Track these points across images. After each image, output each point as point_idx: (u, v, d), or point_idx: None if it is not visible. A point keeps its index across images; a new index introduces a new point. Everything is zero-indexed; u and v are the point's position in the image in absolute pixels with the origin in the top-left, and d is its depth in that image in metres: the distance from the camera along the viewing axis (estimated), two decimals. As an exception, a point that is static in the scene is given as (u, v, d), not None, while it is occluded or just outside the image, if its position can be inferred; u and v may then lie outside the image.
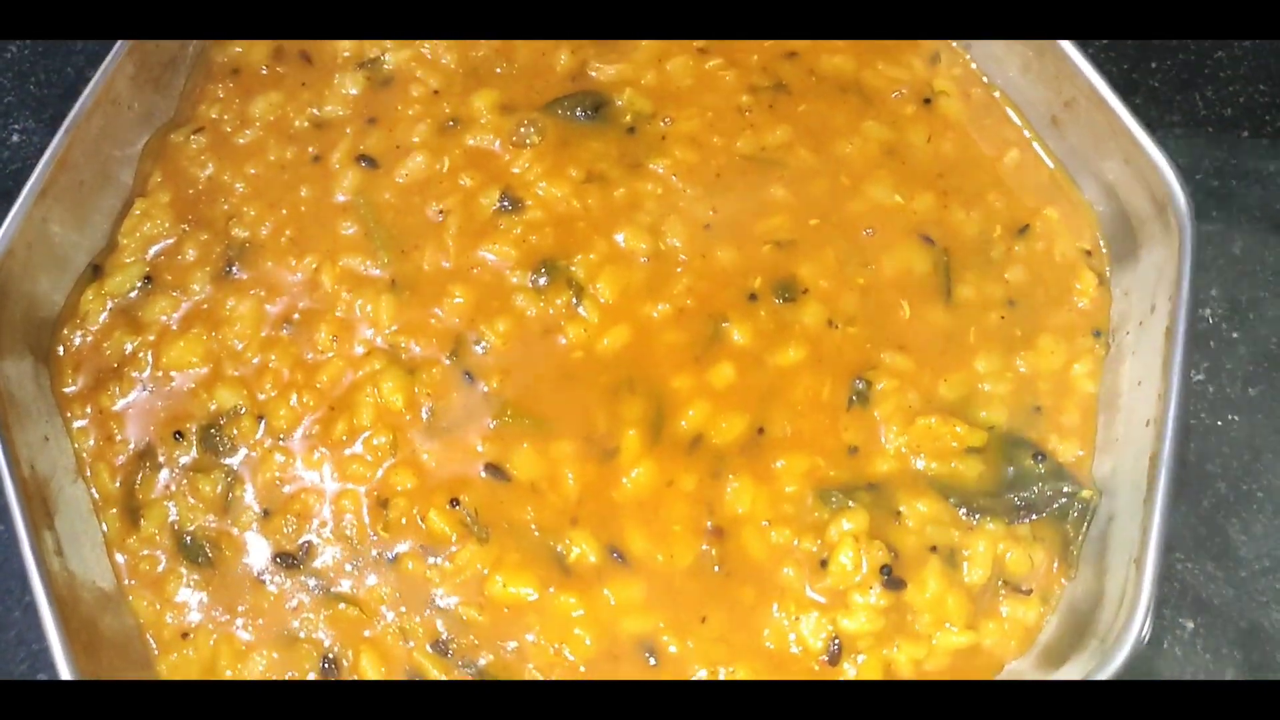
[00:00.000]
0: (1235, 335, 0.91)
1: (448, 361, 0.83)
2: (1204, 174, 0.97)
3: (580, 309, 0.84)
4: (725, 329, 0.83)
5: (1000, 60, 0.92)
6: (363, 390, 0.82)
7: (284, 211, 0.88)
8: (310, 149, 0.91)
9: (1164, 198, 0.80)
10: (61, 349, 0.84)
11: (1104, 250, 0.87)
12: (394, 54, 0.94)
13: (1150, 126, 0.96)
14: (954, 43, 0.95)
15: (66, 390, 0.83)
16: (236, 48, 0.95)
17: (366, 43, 0.95)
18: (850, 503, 0.78)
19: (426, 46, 0.95)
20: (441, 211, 0.88)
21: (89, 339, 0.84)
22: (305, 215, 0.88)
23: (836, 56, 0.95)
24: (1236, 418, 0.88)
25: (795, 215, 0.88)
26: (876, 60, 0.95)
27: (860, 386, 0.82)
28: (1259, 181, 0.96)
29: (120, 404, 0.82)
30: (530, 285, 0.84)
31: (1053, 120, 0.89)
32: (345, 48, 0.95)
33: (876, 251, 0.87)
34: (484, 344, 0.83)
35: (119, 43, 0.87)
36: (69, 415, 0.82)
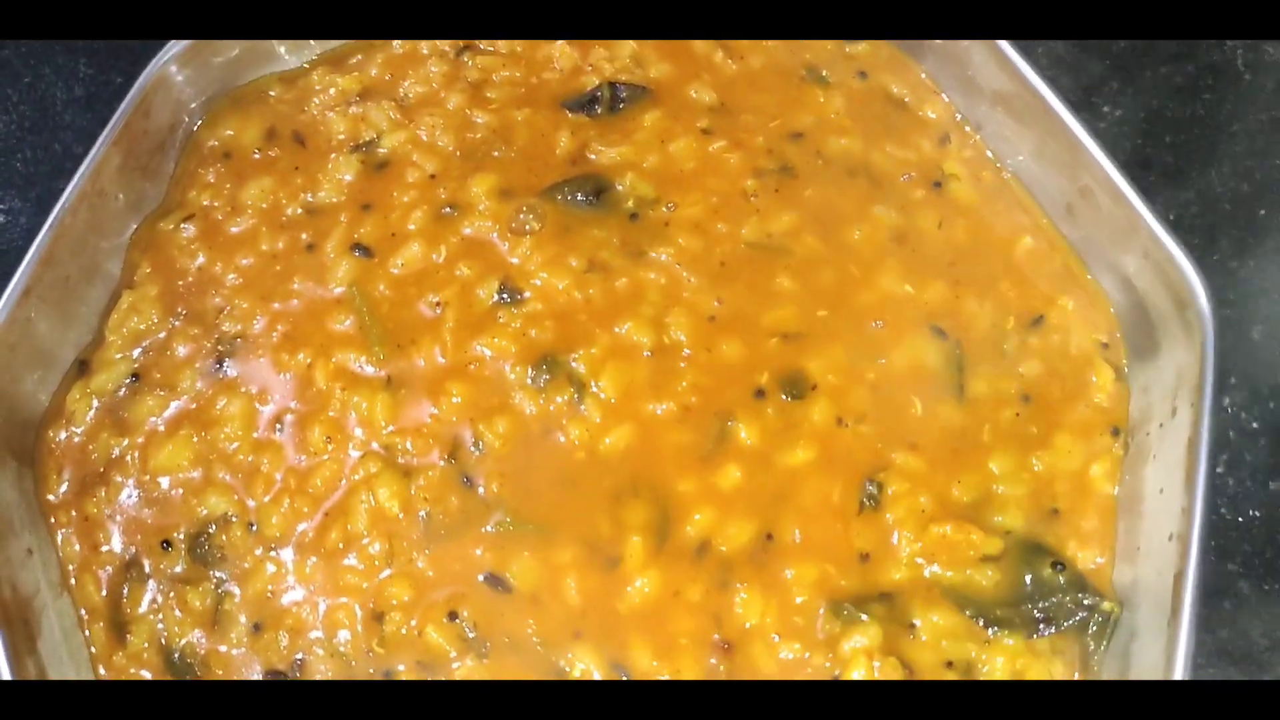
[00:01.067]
0: (1255, 426, 0.88)
1: (445, 464, 0.80)
2: (1221, 254, 0.94)
3: (582, 407, 0.81)
4: (732, 428, 0.81)
5: (1011, 143, 0.90)
6: (358, 495, 0.79)
7: (276, 305, 0.85)
8: (304, 237, 0.88)
9: (1185, 297, 0.77)
10: (46, 452, 0.82)
11: (1121, 343, 0.85)
12: (389, 136, 0.92)
13: (1165, 205, 0.96)
14: (966, 125, 0.92)
15: (51, 497, 0.80)
16: (228, 130, 0.93)
17: (361, 124, 0.92)
18: (862, 615, 0.75)
19: (423, 128, 0.92)
20: (438, 304, 0.85)
21: (75, 440, 0.82)
22: (298, 308, 0.85)
23: (844, 138, 0.92)
24: (1258, 513, 0.86)
25: (803, 306, 0.85)
26: (885, 141, 0.92)
27: (871, 489, 0.79)
28: (1277, 262, 0.94)
29: (107, 511, 0.80)
30: (530, 382, 0.82)
31: (1067, 208, 0.87)
32: (340, 129, 0.93)
33: (886, 344, 0.84)
34: (483, 445, 0.80)
35: (105, 130, 0.84)
36: (54, 523, 0.80)
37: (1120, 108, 1.01)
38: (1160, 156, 0.99)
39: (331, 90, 0.94)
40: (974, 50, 0.89)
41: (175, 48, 0.88)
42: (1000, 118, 0.90)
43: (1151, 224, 0.79)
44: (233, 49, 0.92)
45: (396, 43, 0.97)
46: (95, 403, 0.83)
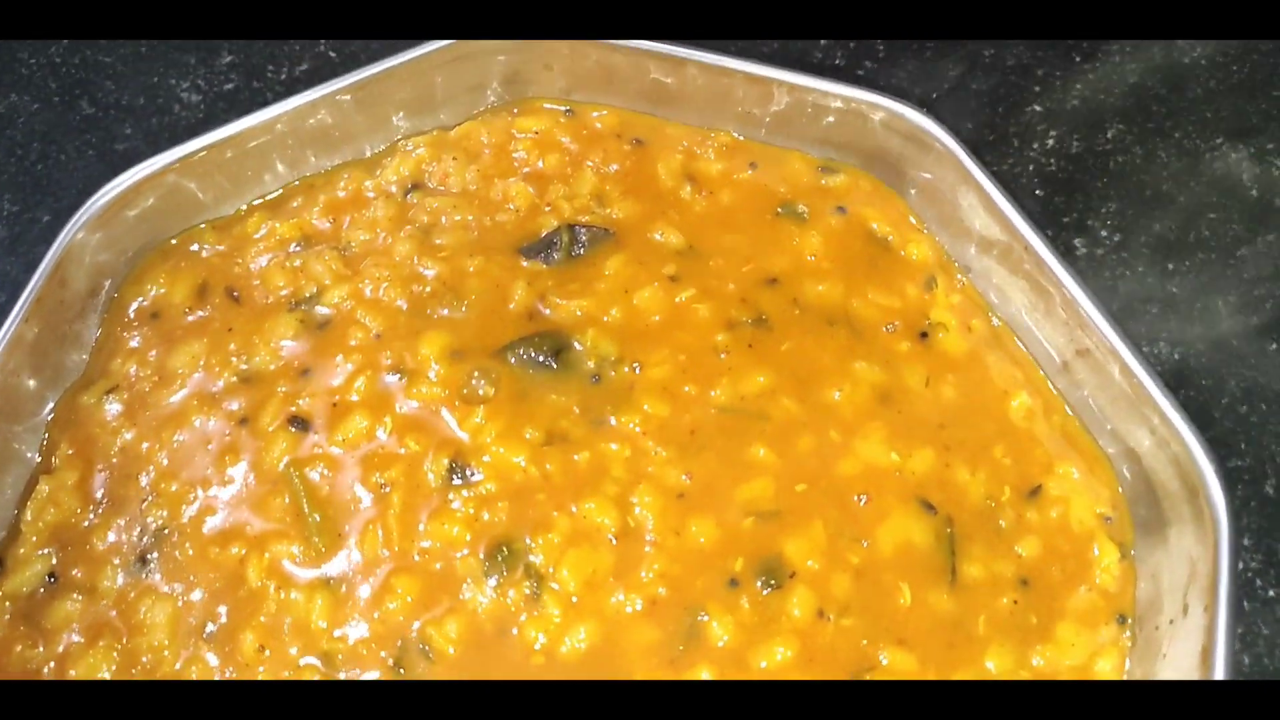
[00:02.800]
0: (1272, 593, 0.82)
1: (391, 672, 0.73)
2: (1230, 398, 0.87)
3: (541, 603, 0.74)
4: (703, 623, 0.74)
5: (1003, 290, 0.83)
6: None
7: (206, 491, 0.78)
8: (238, 408, 0.81)
9: (1196, 483, 0.71)
10: (-46, 666, 0.75)
11: (1127, 517, 0.78)
12: (332, 291, 0.85)
13: (1170, 343, 0.89)
14: (953, 266, 0.86)
15: (-41, 720, 0.73)
16: (155, 287, 0.86)
17: (301, 277, 0.86)
18: (849, 846, 0.69)
19: (368, 281, 0.85)
20: (384, 485, 0.78)
21: (-14, 650, 0.75)
22: (231, 494, 0.78)
23: (822, 283, 0.85)
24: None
25: (779, 479, 0.79)
26: (866, 287, 0.85)
27: (857, 692, 0.73)
28: (1292, 405, 0.88)
29: (20, 733, 0.73)
30: (484, 574, 0.75)
31: (1064, 365, 0.80)
32: (279, 282, 0.86)
33: (871, 522, 0.77)
34: (432, 651, 0.73)
35: (15, 310, 0.78)
36: (-37, 747, 0.73)
37: (1120, 231, 0.94)
38: (1164, 286, 0.92)
39: (268, 238, 0.88)
40: (959, 189, 0.83)
41: (88, 211, 0.81)
42: (989, 263, 0.83)
43: (1160, 400, 0.72)
44: (151, 199, 0.85)
45: (340, 184, 0.90)
46: (8, 606, 0.76)
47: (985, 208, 0.80)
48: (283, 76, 1.03)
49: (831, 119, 0.87)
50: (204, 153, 0.84)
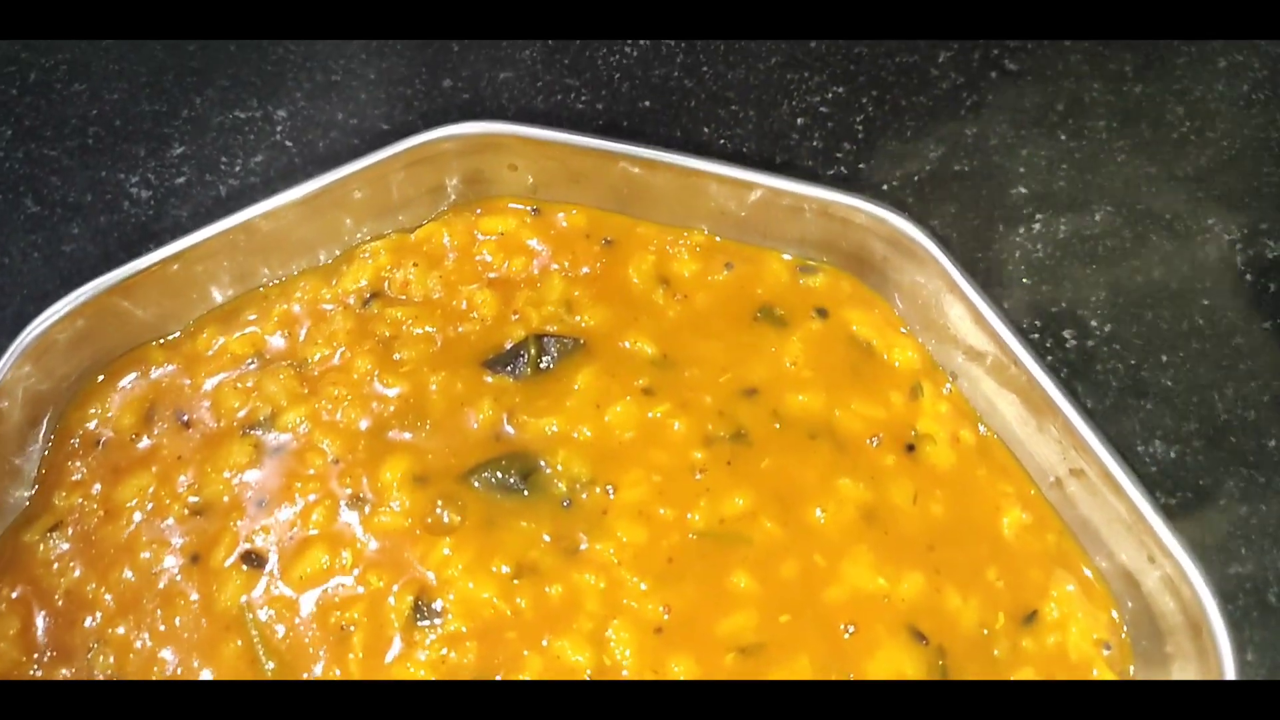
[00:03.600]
0: None
1: (355, 834, 0.69)
2: (1228, 498, 0.84)
3: (512, 752, 0.70)
4: (685, 771, 0.70)
5: (992, 399, 0.80)
6: None
7: (157, 633, 0.74)
8: (188, 543, 0.77)
9: (1198, 619, 0.67)
10: (-112, 839, 0.70)
11: (1127, 645, 0.74)
12: (288, 413, 0.81)
13: (1165, 439, 0.86)
14: (939, 372, 0.82)
15: None
16: (100, 413, 0.81)
17: (257, 399, 0.81)
18: None
19: (326, 401, 0.81)
20: (344, 625, 0.74)
21: (-77, 819, 0.71)
22: (182, 636, 0.74)
23: (803, 393, 0.82)
24: (1287, 819, 0.76)
25: (763, 609, 0.75)
26: (849, 396, 0.82)
27: (848, 844, 0.69)
28: (1292, 503, 0.84)
29: None
30: (451, 723, 0.71)
31: (1058, 482, 0.76)
32: (233, 404, 0.81)
33: (860, 655, 0.74)
34: (398, 807, 0.69)
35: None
36: None
37: (1111, 320, 0.91)
38: (1157, 379, 0.88)
39: (220, 356, 0.83)
40: (944, 297, 0.79)
41: (23, 342, 0.76)
42: (978, 372, 0.80)
43: (1162, 532, 0.68)
44: (89, 322, 0.80)
45: (295, 296, 0.86)
46: (-53, 770, 0.71)
47: (974, 319, 0.77)
48: (236, 169, 0.99)
49: (808, 220, 0.83)
50: (147, 271, 0.80)
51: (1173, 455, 0.86)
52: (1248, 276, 0.93)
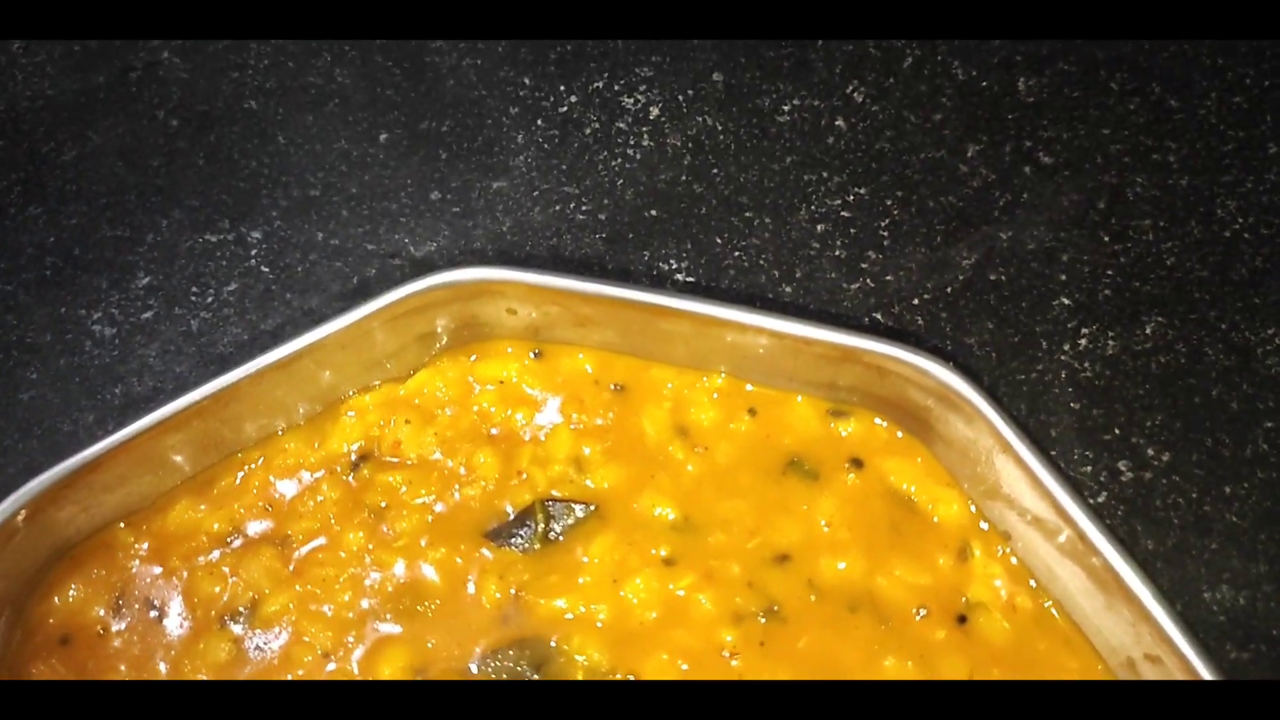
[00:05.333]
0: None
1: None
2: (1309, 650, 0.77)
3: None
4: None
5: (1051, 564, 0.72)
6: None
7: None
8: (165, 758, 0.69)
9: (1303, 843, 0.60)
10: None
11: None
12: (272, 600, 0.73)
13: (1233, 583, 0.78)
14: (991, 532, 0.74)
15: None
16: (65, 602, 0.74)
17: (239, 586, 0.74)
18: None
19: (313, 584, 0.73)
20: None
21: None
22: None
23: (841, 559, 0.74)
24: None
25: (807, 815, 0.67)
26: (891, 560, 0.74)
27: None
28: (1377, 653, 0.77)
29: None
30: None
31: (1129, 663, 0.69)
32: (211, 590, 0.74)
33: None
34: None
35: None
36: None
37: (1169, 449, 0.83)
38: (1222, 514, 0.81)
39: (195, 535, 0.75)
40: (996, 457, 0.71)
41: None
42: (1034, 536, 0.72)
43: (1252, 740, 0.61)
44: (44, 511, 0.72)
45: (277, 460, 0.78)
46: None
47: (1030, 484, 0.69)
48: (209, 299, 0.91)
49: (843, 363, 0.76)
50: (112, 451, 0.72)
51: (1241, 602, 0.78)
52: (1312, 353, 0.86)
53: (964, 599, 0.73)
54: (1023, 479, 0.70)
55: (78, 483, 0.72)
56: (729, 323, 0.74)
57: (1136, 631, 0.67)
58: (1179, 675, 0.65)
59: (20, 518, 0.70)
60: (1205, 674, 0.63)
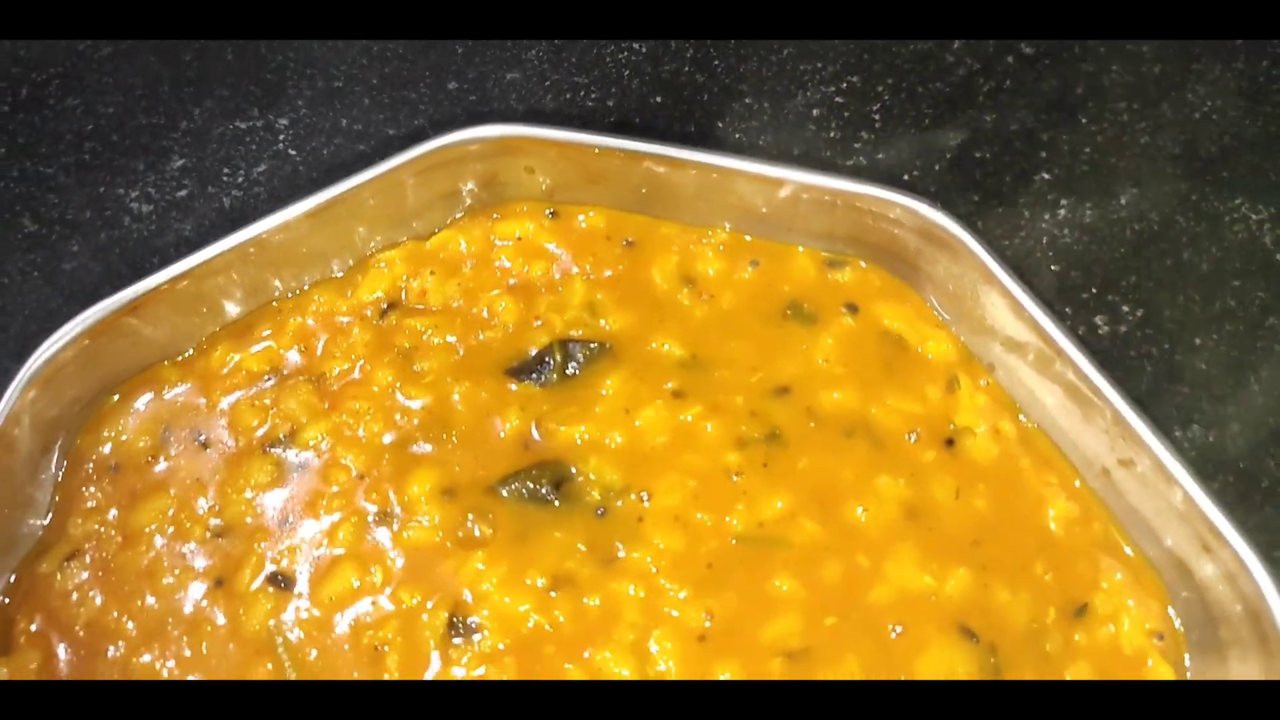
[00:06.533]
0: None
1: None
2: (1270, 479, 0.82)
3: (558, 771, 0.68)
4: (738, 783, 0.68)
5: (1032, 388, 0.78)
6: None
7: (184, 656, 0.71)
8: (211, 567, 0.74)
9: (1259, 609, 0.65)
10: None
11: (1180, 635, 0.73)
12: (309, 429, 0.78)
13: (1203, 423, 0.84)
14: (976, 364, 0.80)
15: None
16: (114, 437, 0.79)
17: (276, 416, 0.79)
18: None
19: (347, 415, 0.79)
20: (377, 645, 0.72)
21: None
22: (210, 663, 0.72)
23: (837, 390, 0.80)
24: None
25: (807, 613, 0.73)
26: (884, 392, 0.80)
27: None
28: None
29: None
30: (494, 742, 0.69)
31: (1105, 472, 0.75)
32: (251, 422, 0.79)
33: (909, 655, 0.72)
34: (442, 833, 0.67)
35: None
36: None
37: (1142, 305, 0.89)
38: (1192, 363, 0.87)
39: (236, 373, 0.81)
40: (980, 288, 0.77)
41: (31, 368, 0.74)
42: (1017, 362, 0.78)
43: (1217, 519, 0.67)
44: (98, 344, 0.78)
45: (310, 308, 0.83)
46: (-30, 813, 0.69)
47: (1012, 310, 0.75)
48: (240, 179, 0.96)
49: (836, 213, 0.81)
50: (157, 289, 0.77)
51: (1210, 439, 0.84)
52: (1277, 256, 0.92)
53: (951, 425, 0.79)
54: (1005, 306, 0.75)
55: (123, 320, 0.78)
56: (738, 172, 0.80)
57: (1110, 438, 0.73)
58: (1150, 475, 0.70)
59: (72, 349, 0.76)
60: (1174, 468, 0.69)
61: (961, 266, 0.78)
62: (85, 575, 0.74)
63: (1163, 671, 0.71)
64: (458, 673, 0.70)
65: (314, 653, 0.72)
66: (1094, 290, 0.90)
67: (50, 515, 0.77)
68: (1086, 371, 0.72)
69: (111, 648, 0.73)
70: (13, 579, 0.74)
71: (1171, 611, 0.73)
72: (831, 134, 0.98)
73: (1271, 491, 0.82)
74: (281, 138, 0.99)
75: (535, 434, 0.78)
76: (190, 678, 0.71)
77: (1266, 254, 0.91)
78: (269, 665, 0.71)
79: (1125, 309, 0.89)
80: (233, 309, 0.82)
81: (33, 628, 0.73)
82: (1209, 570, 0.69)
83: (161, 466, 0.78)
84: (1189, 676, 0.71)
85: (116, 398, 0.80)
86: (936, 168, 0.96)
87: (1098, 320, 0.89)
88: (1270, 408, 0.85)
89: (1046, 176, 0.95)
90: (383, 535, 0.75)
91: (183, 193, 0.97)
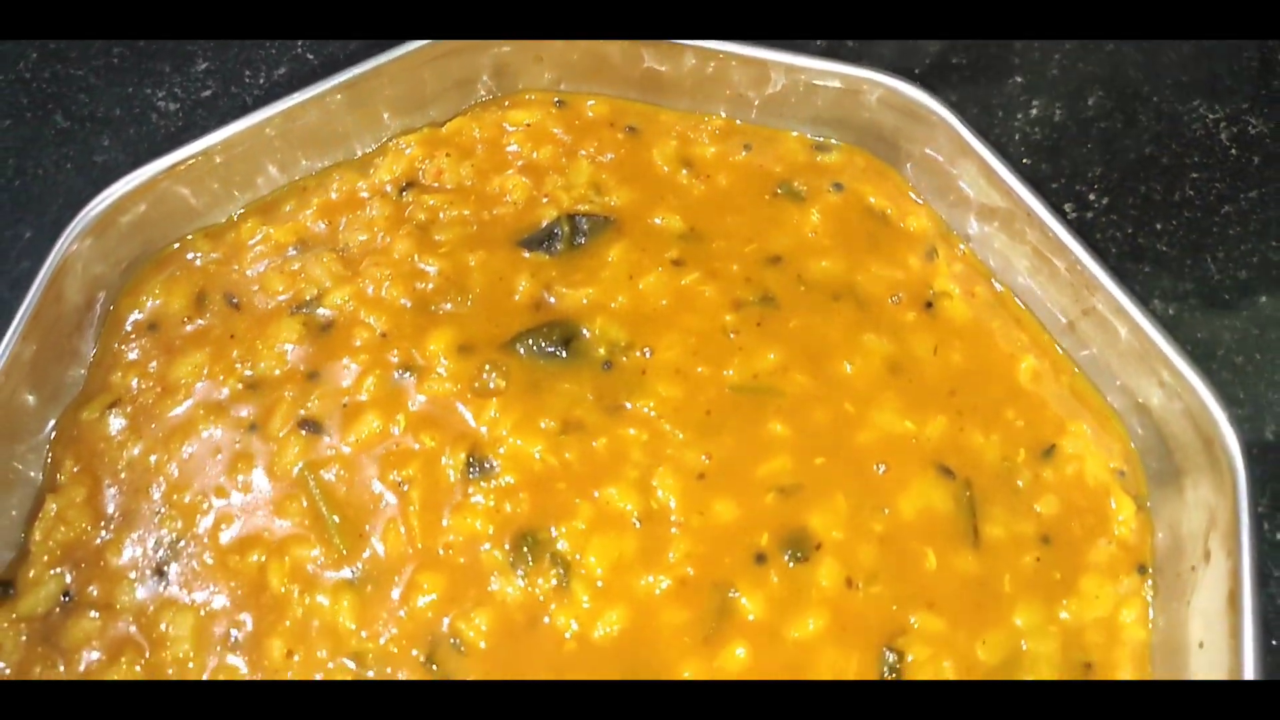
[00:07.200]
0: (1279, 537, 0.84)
1: (424, 669, 0.72)
2: (1226, 349, 0.89)
3: (570, 590, 0.74)
4: (733, 600, 0.74)
5: (1004, 256, 0.84)
6: (328, 716, 0.71)
7: (220, 500, 0.77)
8: (246, 415, 0.80)
9: (1210, 432, 0.72)
10: (-29, 694, 0.73)
11: (1140, 470, 0.79)
12: (333, 293, 0.84)
13: (1163, 298, 0.91)
14: (953, 236, 0.87)
15: (-20, 749, 0.71)
16: (151, 298, 0.85)
17: (301, 281, 0.85)
18: (896, 811, 0.69)
19: (369, 281, 0.84)
20: (401, 483, 0.77)
21: (4, 675, 0.73)
22: (246, 501, 0.77)
23: (825, 259, 0.86)
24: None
25: (798, 454, 0.79)
26: (868, 261, 0.86)
27: (891, 659, 0.73)
28: (1285, 352, 0.90)
29: (45, 758, 0.71)
30: (510, 565, 0.74)
31: (1070, 326, 0.81)
32: (278, 287, 0.85)
33: (892, 491, 0.78)
34: (463, 643, 0.73)
35: (13, 324, 0.76)
36: (-15, 776, 0.71)
37: (1107, 194, 0.96)
38: (1154, 245, 0.94)
39: (265, 244, 0.87)
40: (957, 159, 0.84)
41: (81, 221, 0.79)
42: (991, 228, 0.84)
43: (1170, 353, 0.73)
44: (145, 206, 0.84)
45: (333, 185, 0.89)
46: (24, 630, 0.74)
47: (985, 176, 0.81)
48: (260, 80, 1.02)
49: (823, 99, 0.88)
50: (197, 158, 0.83)
51: (1171, 312, 0.91)
52: (1233, 151, 0.99)
53: (930, 290, 0.85)
54: (979, 174, 0.82)
55: (170, 186, 0.83)
56: (733, 56, 0.86)
57: (1074, 289, 0.79)
58: (1110, 317, 0.77)
59: (120, 210, 0.81)
60: (1129, 306, 0.75)
61: (938, 140, 0.84)
62: (125, 423, 0.80)
63: (1124, 504, 0.78)
64: (476, 502, 0.76)
65: (343, 489, 0.77)
66: (1063, 180, 0.97)
67: (91, 369, 0.82)
68: (1048, 222, 0.78)
69: (153, 488, 0.78)
70: (57, 426, 0.80)
71: (1132, 449, 0.80)
72: (818, 43, 1.04)
73: (1226, 359, 0.89)
74: (300, 43, 1.05)
75: (546, 297, 0.84)
76: (231, 513, 0.77)
77: (1223, 149, 0.99)
78: (303, 501, 0.77)
79: (1091, 197, 0.96)
80: (262, 185, 0.88)
81: (75, 469, 0.79)
82: (1164, 402, 0.75)
83: (196, 325, 0.84)
84: (1149, 506, 0.78)
85: (154, 264, 0.86)
86: (916, 70, 1.03)
87: (1066, 207, 0.96)
88: (1225, 285, 0.92)
89: (1019, 80, 1.02)
90: (405, 386, 0.81)
91: (207, 93, 1.02)
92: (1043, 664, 0.73)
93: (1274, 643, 0.78)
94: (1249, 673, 0.65)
